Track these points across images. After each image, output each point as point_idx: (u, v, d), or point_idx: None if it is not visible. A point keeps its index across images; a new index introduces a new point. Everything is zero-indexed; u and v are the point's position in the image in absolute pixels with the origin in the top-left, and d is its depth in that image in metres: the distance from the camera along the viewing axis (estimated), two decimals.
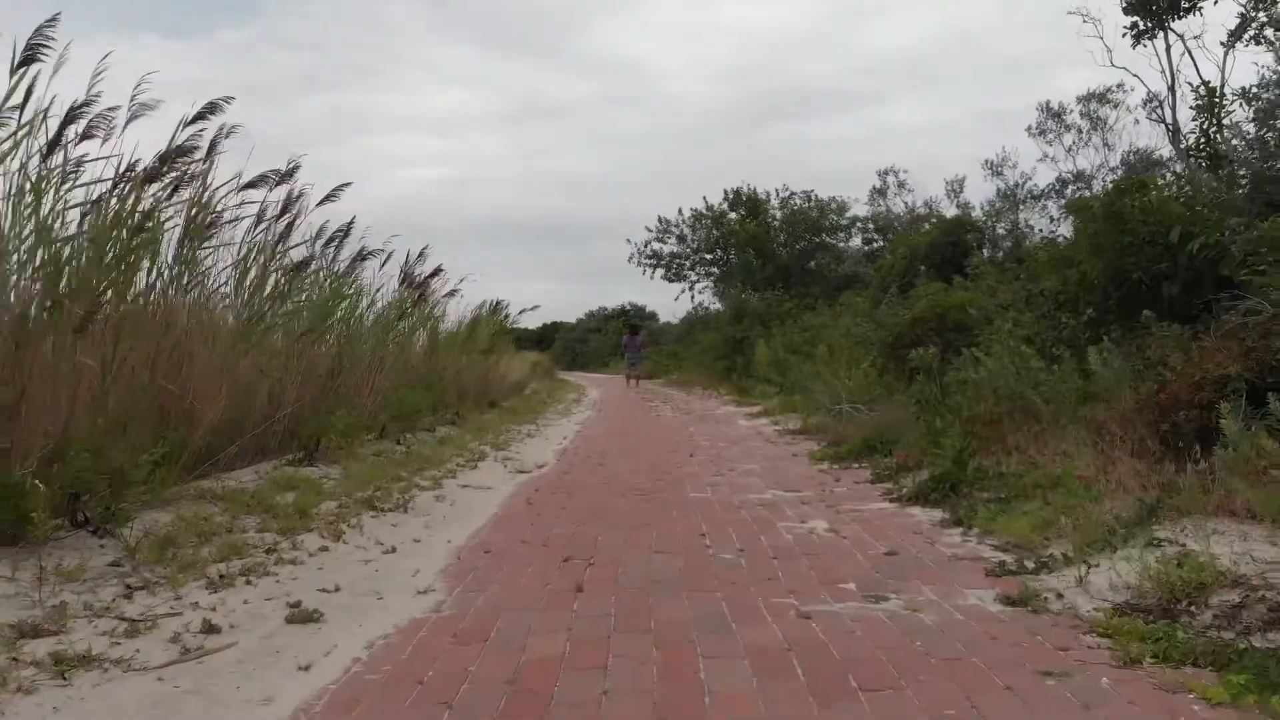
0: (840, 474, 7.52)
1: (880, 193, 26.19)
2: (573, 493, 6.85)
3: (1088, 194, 22.46)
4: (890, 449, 7.83)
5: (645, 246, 30.76)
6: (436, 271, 11.57)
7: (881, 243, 30.07)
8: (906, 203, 26.18)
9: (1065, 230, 21.10)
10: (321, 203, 7.72)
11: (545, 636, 3.43)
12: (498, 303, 18.11)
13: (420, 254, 11.78)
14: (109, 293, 5.70)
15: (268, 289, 7.57)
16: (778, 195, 29.66)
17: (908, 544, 4.89)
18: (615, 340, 34.74)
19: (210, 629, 3.64)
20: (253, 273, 7.42)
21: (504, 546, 5.03)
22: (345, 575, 4.46)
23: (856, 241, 30.10)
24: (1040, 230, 21.96)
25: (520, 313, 18.96)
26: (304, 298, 8.39)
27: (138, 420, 6.04)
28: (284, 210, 7.28)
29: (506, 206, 79.74)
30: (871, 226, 29.75)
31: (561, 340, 58.57)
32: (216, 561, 4.53)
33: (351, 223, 9.10)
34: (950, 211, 23.93)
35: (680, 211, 30.36)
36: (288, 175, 7.07)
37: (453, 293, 12.64)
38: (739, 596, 3.92)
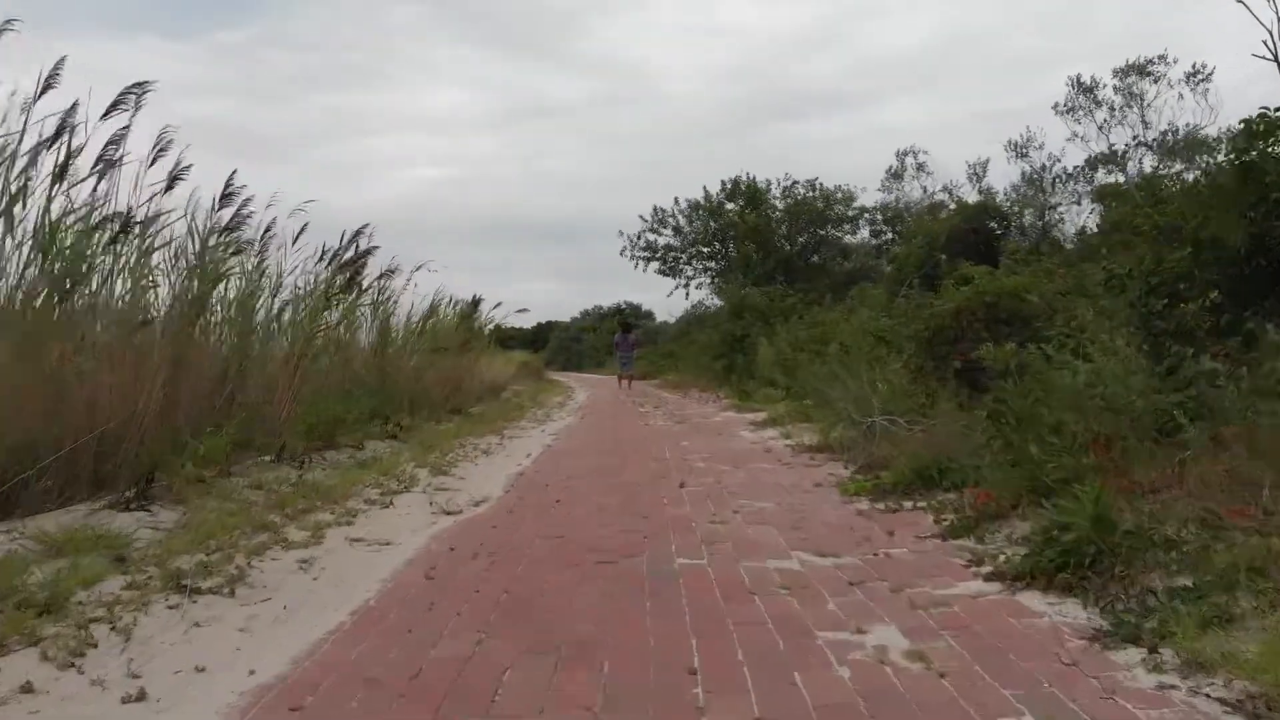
0: (890, 520, 5.27)
1: (897, 175, 23.77)
2: (503, 555, 4.60)
3: (1121, 178, 20.28)
4: (955, 481, 5.62)
5: (639, 238, 28.55)
6: (368, 252, 9.28)
7: (891, 235, 27.95)
8: (925, 187, 23.77)
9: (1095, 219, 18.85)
10: (106, 115, 5.38)
11: None
12: (475, 299, 15.88)
13: (359, 233, 9.50)
14: None
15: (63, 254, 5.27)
16: (779, 185, 27.45)
17: (1061, 691, 2.66)
18: (610, 339, 32.34)
19: None
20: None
21: (335, 693, 2.78)
22: None
23: (864, 234, 27.92)
24: (1079, 211, 19.73)
25: (496, 306, 16.64)
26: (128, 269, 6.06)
27: None
28: (57, 134, 4.98)
29: (506, 206, 77.57)
30: (880, 218, 27.57)
31: (556, 340, 56.44)
32: None
33: (232, 179, 6.86)
34: (972, 196, 21.65)
35: (676, 201, 28.15)
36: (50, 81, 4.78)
37: (387, 274, 10.19)
38: None
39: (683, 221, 28.16)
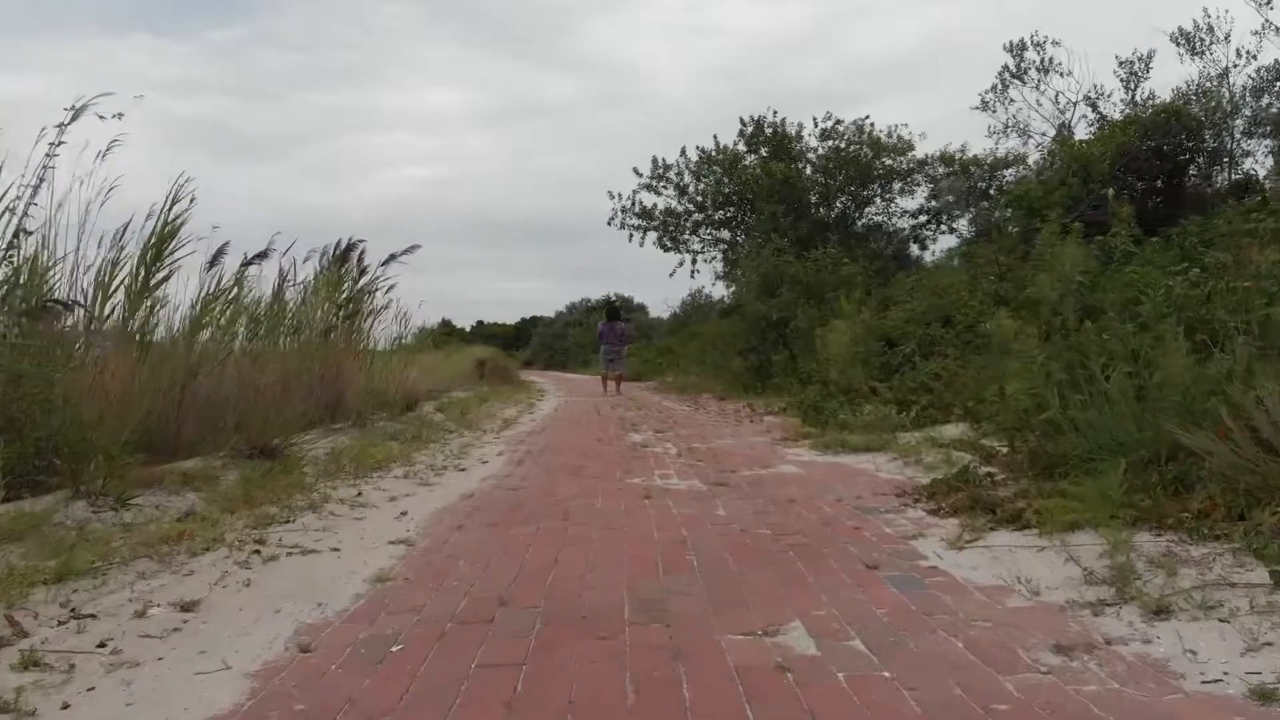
0: None
1: (1016, 76, 15.99)
2: None
3: None
4: None
5: (632, 200, 21.31)
6: None
7: (952, 199, 20.80)
8: (1060, 95, 16.04)
9: None
10: None
11: None
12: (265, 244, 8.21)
13: None
14: None
15: None
16: (816, 126, 20.23)
17: None
18: (596, 334, 25.07)
19: None
20: None
21: None
22: None
23: (921, 195, 20.73)
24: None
25: (388, 261, 9.28)
26: None
27: None
28: None
29: (499, 205, 72.14)
30: (942, 170, 20.40)
31: (539, 337, 49.92)
32: None
33: None
34: (1123, 110, 14.28)
35: (683, 152, 20.89)
36: None
37: None
38: None
39: (689, 179, 20.93)
